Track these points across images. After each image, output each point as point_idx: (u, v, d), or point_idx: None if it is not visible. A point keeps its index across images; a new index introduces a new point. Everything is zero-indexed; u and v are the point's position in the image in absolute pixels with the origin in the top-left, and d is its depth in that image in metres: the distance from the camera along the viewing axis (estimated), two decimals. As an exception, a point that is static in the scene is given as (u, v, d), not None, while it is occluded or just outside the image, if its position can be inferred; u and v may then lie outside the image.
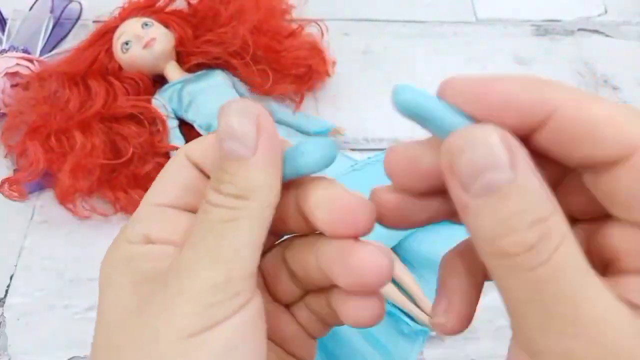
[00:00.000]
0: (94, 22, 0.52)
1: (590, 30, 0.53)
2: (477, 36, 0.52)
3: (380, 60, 0.50)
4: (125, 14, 0.46)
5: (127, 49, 0.43)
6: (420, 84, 0.45)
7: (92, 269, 0.39)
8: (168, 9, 0.47)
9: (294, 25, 0.47)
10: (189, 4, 0.47)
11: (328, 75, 0.47)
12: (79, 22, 0.52)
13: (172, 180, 0.19)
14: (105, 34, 0.45)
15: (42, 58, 0.47)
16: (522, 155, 0.14)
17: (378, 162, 0.40)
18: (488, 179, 0.14)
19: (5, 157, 0.43)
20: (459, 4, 0.55)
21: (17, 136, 0.41)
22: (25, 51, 0.47)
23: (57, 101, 0.41)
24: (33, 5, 0.51)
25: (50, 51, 0.49)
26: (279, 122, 0.44)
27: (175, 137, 0.42)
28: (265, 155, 0.16)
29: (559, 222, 0.14)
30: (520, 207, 0.14)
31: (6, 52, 0.46)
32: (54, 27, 0.50)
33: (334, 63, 0.48)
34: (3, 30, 0.49)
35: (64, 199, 0.40)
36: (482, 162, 0.14)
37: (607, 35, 0.53)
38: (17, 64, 0.44)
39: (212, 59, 0.44)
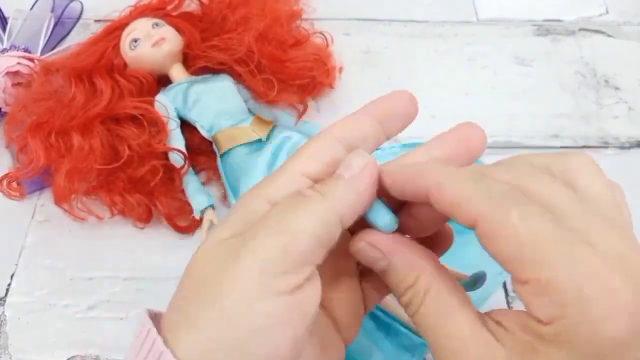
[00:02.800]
0: (95, 21, 0.52)
1: (591, 30, 0.53)
2: (478, 36, 0.52)
3: (381, 60, 0.50)
4: (136, 14, 0.46)
5: (135, 46, 0.43)
6: (420, 84, 0.46)
7: (93, 268, 0.39)
8: (178, 11, 0.47)
9: (301, 32, 0.47)
10: (201, 3, 0.47)
11: (331, 87, 0.47)
12: (80, 21, 0.52)
13: (318, 155, 0.23)
14: (115, 30, 0.45)
15: (43, 57, 0.47)
16: (394, 247, 0.22)
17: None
18: (378, 267, 0.23)
19: (7, 147, 0.43)
20: (460, 4, 0.55)
21: (19, 129, 0.41)
22: (26, 50, 0.47)
23: (62, 97, 0.41)
24: (34, 4, 0.51)
25: (51, 50, 0.49)
26: (285, 127, 0.44)
27: (175, 139, 0.42)
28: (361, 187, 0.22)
29: (422, 282, 0.22)
30: (397, 280, 0.22)
31: (7, 51, 0.47)
32: (55, 26, 0.50)
33: (340, 69, 0.48)
34: (4, 30, 0.49)
35: (60, 200, 0.40)
36: (371, 259, 0.23)
37: (608, 36, 0.53)
38: (18, 63, 0.44)
39: (217, 64, 0.44)
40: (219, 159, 0.41)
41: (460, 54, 0.51)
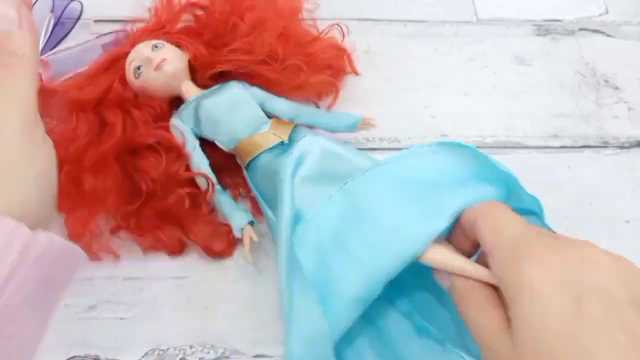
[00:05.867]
0: (95, 21, 0.52)
1: (591, 30, 0.53)
2: (478, 36, 0.52)
3: (381, 60, 0.50)
4: (135, 39, 0.44)
5: (139, 74, 0.41)
6: (420, 84, 0.46)
7: (92, 269, 0.39)
8: (178, 27, 0.45)
9: (318, 29, 0.47)
10: (196, 19, 0.46)
11: (357, 73, 0.48)
12: (80, 21, 0.52)
13: None
14: (117, 60, 0.43)
15: (43, 57, 0.47)
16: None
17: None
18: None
19: None
20: (460, 4, 0.55)
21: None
22: (26, 50, 0.47)
23: (63, 131, 0.39)
24: (34, 4, 0.51)
25: (51, 50, 0.49)
26: (306, 124, 0.42)
27: (198, 159, 0.40)
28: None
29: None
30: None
31: (7, 51, 0.46)
32: (54, 26, 0.50)
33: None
34: (4, 30, 0.49)
35: (74, 237, 0.38)
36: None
37: (608, 35, 0.53)
38: (18, 63, 0.44)
39: (239, 68, 0.42)
40: (244, 171, 0.40)
41: (460, 53, 0.51)
